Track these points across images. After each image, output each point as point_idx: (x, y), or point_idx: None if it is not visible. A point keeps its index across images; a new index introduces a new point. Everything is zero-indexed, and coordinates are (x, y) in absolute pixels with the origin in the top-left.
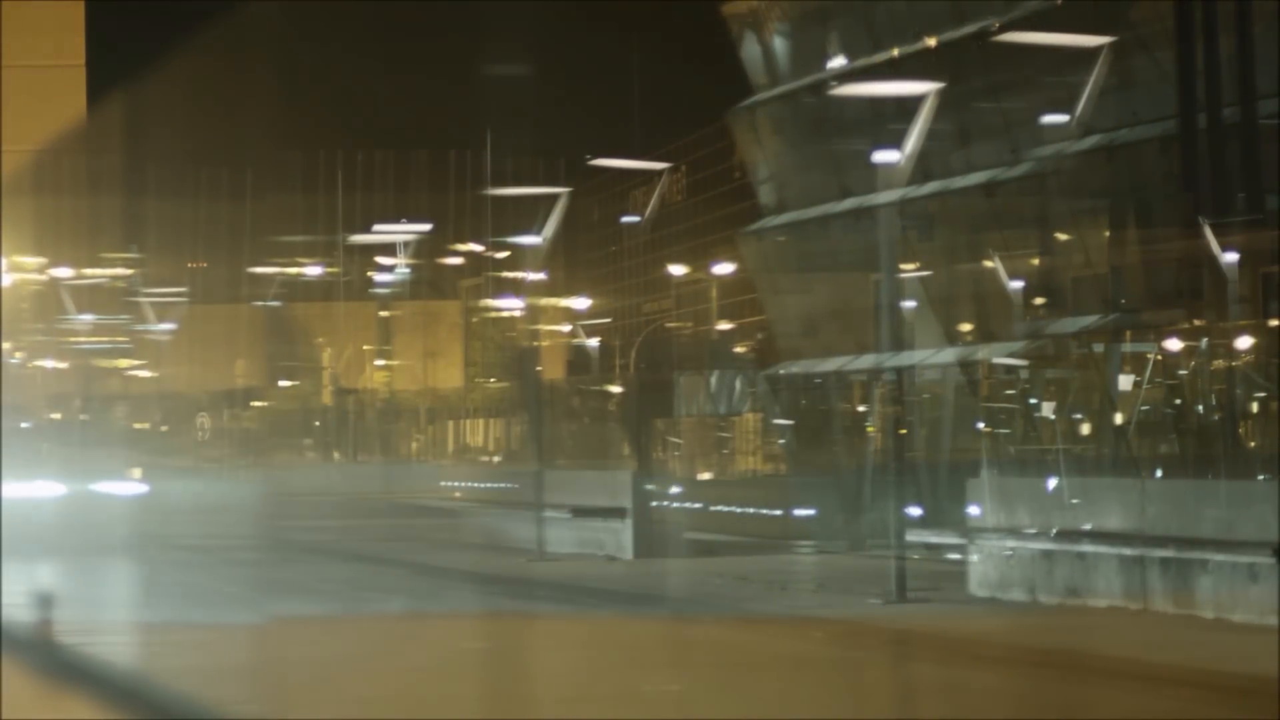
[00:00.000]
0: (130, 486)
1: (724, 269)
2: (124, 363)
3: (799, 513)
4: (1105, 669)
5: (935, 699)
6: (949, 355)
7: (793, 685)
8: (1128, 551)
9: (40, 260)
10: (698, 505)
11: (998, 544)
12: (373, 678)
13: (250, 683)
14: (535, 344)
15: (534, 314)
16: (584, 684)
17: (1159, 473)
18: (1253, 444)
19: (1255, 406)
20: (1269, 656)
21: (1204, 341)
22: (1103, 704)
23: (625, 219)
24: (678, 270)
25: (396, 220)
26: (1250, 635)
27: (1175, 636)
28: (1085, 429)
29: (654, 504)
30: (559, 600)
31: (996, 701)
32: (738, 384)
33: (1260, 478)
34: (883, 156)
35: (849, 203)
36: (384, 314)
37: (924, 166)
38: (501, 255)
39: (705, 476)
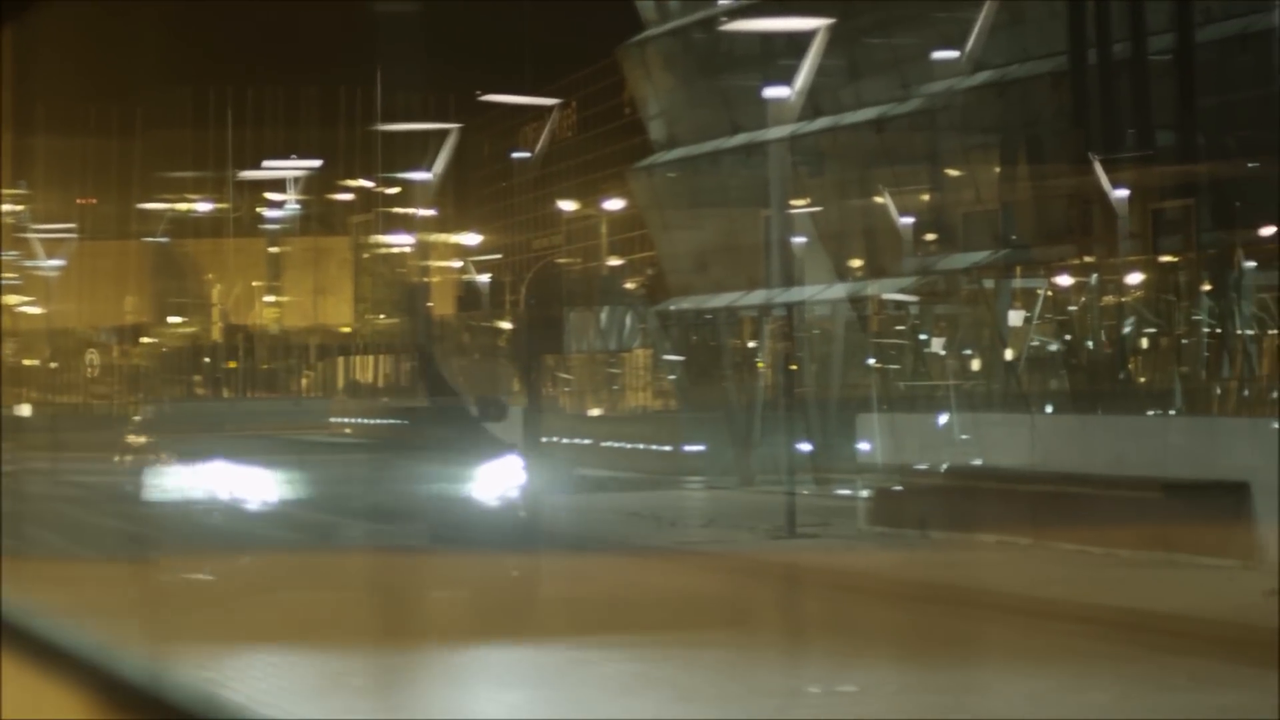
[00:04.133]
0: None
1: (614, 205)
2: (12, 299)
3: (689, 448)
4: (990, 603)
5: (817, 629)
6: (839, 291)
7: (677, 617)
8: (1018, 487)
9: None
10: (588, 441)
11: (887, 479)
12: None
13: None
14: (425, 280)
15: (424, 250)
16: (464, 625)
17: (1049, 408)
18: (1142, 379)
19: (1145, 342)
20: (1155, 591)
21: (1094, 277)
22: (986, 636)
23: (516, 155)
24: (568, 206)
25: (286, 156)
26: (1137, 570)
27: (1062, 572)
28: (975, 365)
29: (543, 440)
30: (442, 538)
31: (878, 633)
32: (628, 320)
33: (1150, 413)
34: (773, 92)
35: (740, 138)
36: (273, 250)
37: (814, 102)
38: (392, 191)
39: (595, 412)
